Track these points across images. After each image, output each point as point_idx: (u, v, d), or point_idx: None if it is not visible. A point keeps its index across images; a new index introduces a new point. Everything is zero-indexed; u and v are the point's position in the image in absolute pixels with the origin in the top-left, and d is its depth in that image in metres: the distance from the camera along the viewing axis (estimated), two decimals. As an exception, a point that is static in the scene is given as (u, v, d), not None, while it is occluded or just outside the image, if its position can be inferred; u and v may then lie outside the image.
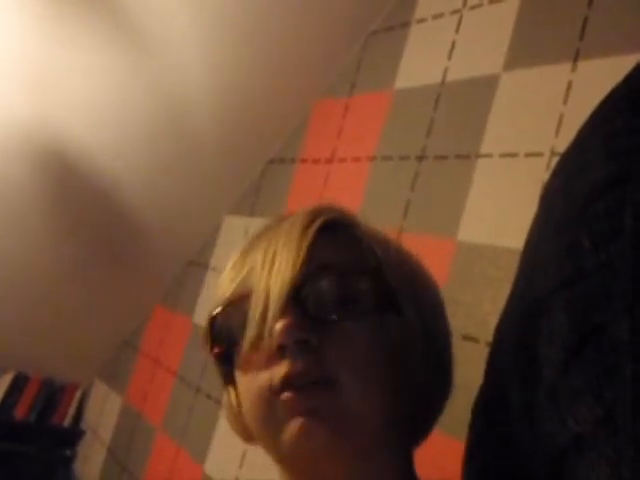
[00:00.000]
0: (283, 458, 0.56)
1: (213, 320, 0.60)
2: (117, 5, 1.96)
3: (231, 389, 0.63)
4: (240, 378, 0.58)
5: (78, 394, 3.16)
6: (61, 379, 3.12)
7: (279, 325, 0.52)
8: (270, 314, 0.53)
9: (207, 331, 0.61)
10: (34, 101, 2.12)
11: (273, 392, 0.52)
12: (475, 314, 1.46)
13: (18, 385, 2.96)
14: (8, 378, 2.96)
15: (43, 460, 2.99)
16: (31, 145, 2.21)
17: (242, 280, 0.58)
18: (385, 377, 0.55)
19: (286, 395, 0.51)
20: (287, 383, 0.52)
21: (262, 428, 0.55)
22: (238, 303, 0.57)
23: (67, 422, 3.10)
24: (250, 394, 0.56)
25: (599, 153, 0.33)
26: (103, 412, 3.00)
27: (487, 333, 1.39)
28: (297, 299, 0.54)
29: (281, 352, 0.52)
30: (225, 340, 0.59)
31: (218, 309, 0.59)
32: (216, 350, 0.60)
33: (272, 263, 0.56)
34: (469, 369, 1.42)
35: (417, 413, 0.61)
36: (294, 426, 0.51)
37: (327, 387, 0.52)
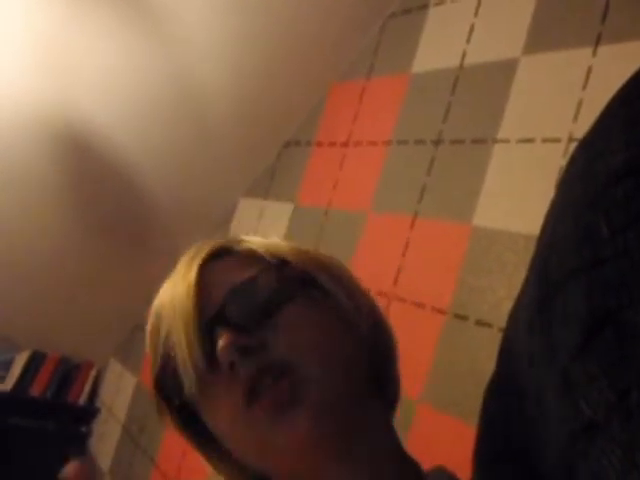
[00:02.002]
0: (281, 469, 0.56)
1: (157, 385, 0.61)
2: (135, -15, 1.96)
3: (210, 447, 0.63)
4: (212, 421, 0.59)
5: (93, 373, 3.20)
6: (77, 358, 3.16)
7: (219, 346, 0.53)
8: (188, 358, 0.55)
9: (157, 399, 0.62)
10: (51, 83, 2.13)
11: (245, 408, 0.53)
12: (489, 299, 1.46)
13: (35, 363, 3.00)
14: (25, 356, 3.00)
15: (59, 437, 3.04)
16: (48, 126, 2.22)
17: (164, 338, 0.60)
18: (332, 343, 0.57)
19: (258, 402, 0.52)
20: (253, 391, 0.53)
21: (251, 447, 0.56)
22: (168, 360, 0.59)
23: (82, 400, 3.14)
24: (228, 424, 0.57)
25: (618, 138, 0.33)
26: (118, 391, 3.03)
27: (501, 318, 1.39)
28: (224, 322, 0.55)
29: (234, 370, 0.54)
30: (177, 396, 0.59)
31: (156, 373, 0.61)
32: (175, 409, 0.61)
33: (174, 309, 0.58)
34: (482, 354, 1.44)
35: (378, 375, 0.62)
36: (281, 424, 0.52)
37: (288, 375, 0.53)
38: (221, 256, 0.63)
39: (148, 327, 0.63)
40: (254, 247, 0.63)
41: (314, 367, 0.53)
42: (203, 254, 0.62)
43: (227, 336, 0.54)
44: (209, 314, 0.56)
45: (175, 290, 0.60)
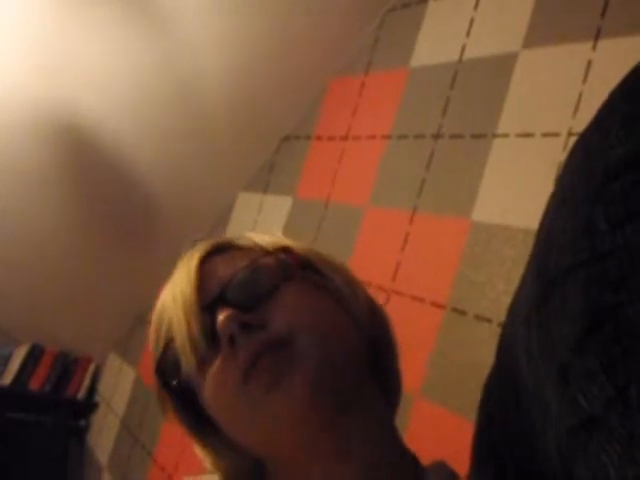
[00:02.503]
0: (276, 448, 0.57)
1: (158, 370, 0.62)
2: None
3: (207, 432, 0.63)
4: (210, 400, 0.58)
5: (92, 367, 3.21)
6: (76, 352, 3.16)
7: (219, 319, 0.54)
8: (186, 335, 0.56)
9: (159, 384, 0.62)
10: (50, 79, 2.13)
11: (242, 383, 0.53)
12: (488, 294, 1.46)
13: (34, 357, 3.01)
14: (24, 350, 3.00)
15: (57, 431, 3.05)
16: (48, 122, 2.21)
17: (166, 327, 0.61)
18: (330, 322, 0.58)
19: (254, 372, 0.53)
20: (250, 367, 0.53)
21: (248, 423, 0.56)
22: (168, 345, 0.60)
23: (81, 394, 3.14)
24: (225, 401, 0.56)
25: (618, 133, 0.33)
26: (117, 385, 3.04)
27: (500, 313, 1.39)
28: (225, 302, 0.56)
29: (232, 346, 0.54)
30: (176, 377, 0.60)
31: (157, 359, 0.62)
32: (172, 385, 0.61)
33: (175, 299, 0.59)
34: (481, 349, 1.44)
35: (377, 367, 0.63)
36: (279, 392, 0.52)
37: (286, 348, 0.53)
38: (224, 250, 0.64)
39: (152, 324, 0.64)
40: (256, 240, 0.65)
41: (311, 343, 0.54)
42: (205, 248, 0.64)
43: (227, 311, 0.54)
44: (210, 297, 0.57)
45: (176, 282, 0.61)
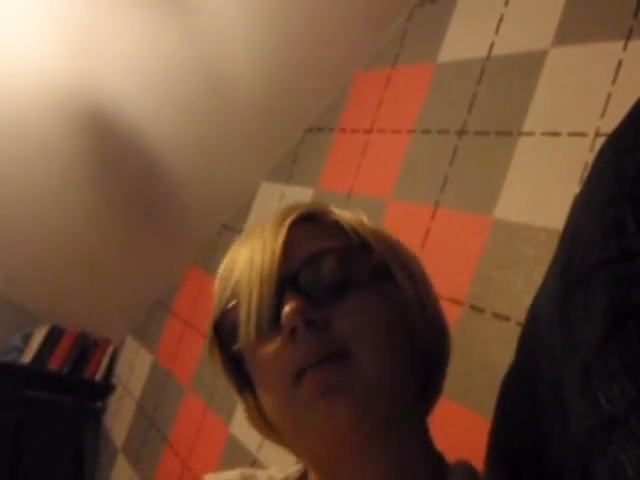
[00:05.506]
0: (309, 446, 0.57)
1: (216, 328, 0.62)
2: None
3: (247, 395, 0.65)
4: (256, 376, 0.60)
5: (110, 349, 3.24)
6: (95, 334, 3.20)
7: (287, 309, 0.54)
8: (255, 310, 0.56)
9: (213, 339, 0.63)
10: (77, 63, 2.14)
11: (293, 379, 0.54)
12: (507, 292, 1.45)
13: (54, 337, 3.04)
14: (44, 330, 3.04)
15: (75, 411, 3.08)
16: (73, 106, 2.23)
17: (234, 285, 0.61)
18: (392, 341, 0.57)
19: (306, 378, 0.53)
20: (305, 365, 0.53)
21: (287, 418, 0.57)
22: (232, 307, 0.60)
23: (99, 376, 3.18)
24: (270, 388, 0.58)
25: (648, 134, 0.32)
26: (134, 368, 3.07)
27: (519, 312, 1.38)
28: (297, 286, 0.56)
29: (292, 336, 0.54)
30: (231, 343, 0.61)
31: (217, 316, 0.62)
32: (226, 354, 0.62)
33: (252, 260, 0.59)
34: (498, 347, 1.43)
35: (425, 377, 0.63)
36: (321, 407, 0.52)
37: (343, 361, 0.53)
38: (309, 220, 0.64)
39: (221, 268, 0.65)
40: (340, 220, 0.64)
41: (368, 362, 0.54)
42: (294, 216, 0.63)
43: (297, 302, 0.54)
44: (284, 274, 0.57)
45: (259, 243, 0.60)
